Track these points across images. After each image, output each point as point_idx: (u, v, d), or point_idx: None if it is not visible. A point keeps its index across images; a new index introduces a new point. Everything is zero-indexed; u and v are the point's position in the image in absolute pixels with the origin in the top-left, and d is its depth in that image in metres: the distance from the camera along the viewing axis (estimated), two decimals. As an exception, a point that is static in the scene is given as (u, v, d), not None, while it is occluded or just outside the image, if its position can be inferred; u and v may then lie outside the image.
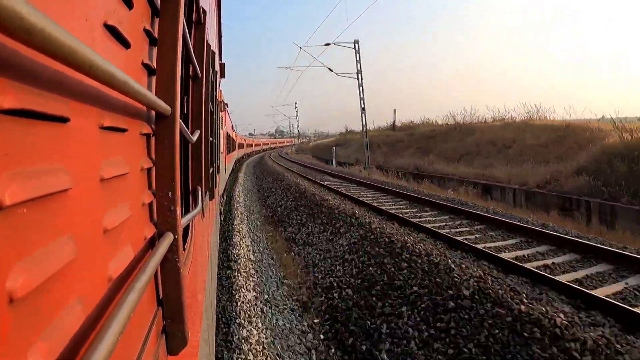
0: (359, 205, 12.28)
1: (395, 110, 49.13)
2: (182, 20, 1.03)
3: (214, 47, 4.05)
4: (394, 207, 12.17)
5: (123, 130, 0.74)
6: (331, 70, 30.82)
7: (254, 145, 64.90)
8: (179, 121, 0.99)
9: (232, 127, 24.93)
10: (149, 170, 0.94)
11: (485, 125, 31.30)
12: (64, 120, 0.49)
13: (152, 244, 0.93)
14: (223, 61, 8.99)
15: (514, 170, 19.27)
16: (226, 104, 13.89)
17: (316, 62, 32.24)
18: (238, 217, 13.68)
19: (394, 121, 49.24)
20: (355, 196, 14.03)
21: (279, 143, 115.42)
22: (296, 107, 78.81)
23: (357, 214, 10.39)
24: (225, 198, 14.74)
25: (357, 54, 29.63)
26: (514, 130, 26.49)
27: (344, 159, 41.19)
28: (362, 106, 30.04)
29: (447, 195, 15.34)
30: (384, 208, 11.42)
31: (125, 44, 0.76)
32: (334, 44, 29.81)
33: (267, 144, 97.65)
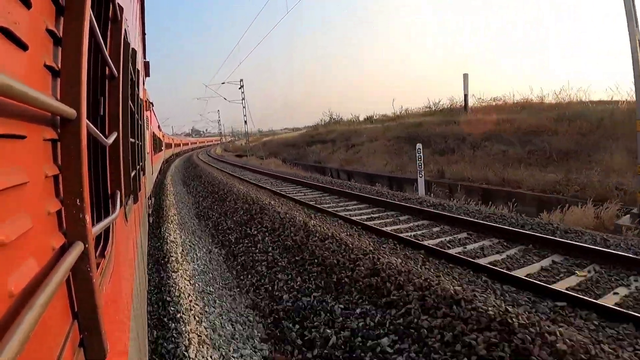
0: None
1: (466, 76, 29.20)
2: (88, 18, 0.99)
3: (136, 45, 3.88)
4: None
5: (21, 137, 0.70)
6: None
7: (182, 144, 63.03)
8: (85, 124, 0.95)
9: (159, 126, 23.87)
10: (55, 177, 0.90)
11: None
12: None
13: (62, 254, 0.89)
14: (147, 59, 8.67)
15: None
16: (151, 103, 13.35)
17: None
18: None
19: (466, 97, 29.95)
20: None
21: (207, 142, 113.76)
22: (242, 86, 51.91)
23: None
24: (153, 200, 14.07)
25: None
26: None
27: (368, 168, 25.49)
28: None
29: None
30: None
31: (23, 46, 0.72)
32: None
33: (196, 142, 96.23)
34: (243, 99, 52.02)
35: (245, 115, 52.76)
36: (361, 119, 49.69)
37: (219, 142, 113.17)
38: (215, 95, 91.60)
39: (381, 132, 32.84)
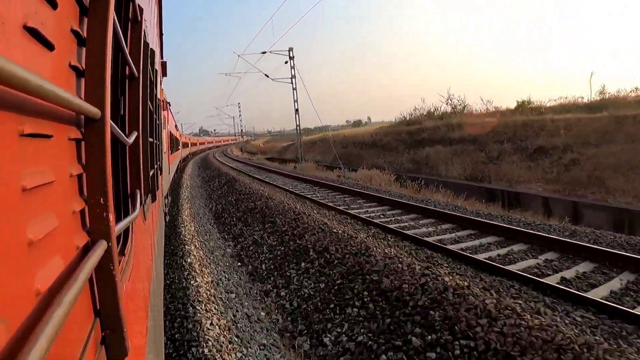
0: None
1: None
2: (111, 19, 1.00)
3: (154, 45, 3.93)
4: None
5: (48, 137, 0.71)
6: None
7: (198, 144, 63.61)
8: (109, 124, 0.96)
9: (176, 125, 24.11)
10: (79, 176, 0.91)
11: None
12: None
13: (85, 253, 0.89)
14: (164, 59, 8.77)
15: None
16: (168, 103, 13.50)
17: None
18: None
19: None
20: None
21: (224, 141, 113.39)
22: (291, 58, 32.53)
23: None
24: (170, 199, 14.19)
25: None
26: None
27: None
28: None
29: None
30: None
31: (49, 46, 0.73)
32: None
33: (212, 142, 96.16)
34: (293, 76, 32.63)
35: (295, 101, 32.76)
36: (494, 106, 32.94)
37: (235, 141, 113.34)
38: (252, 69, 56.73)
39: (620, 126, 18.34)
